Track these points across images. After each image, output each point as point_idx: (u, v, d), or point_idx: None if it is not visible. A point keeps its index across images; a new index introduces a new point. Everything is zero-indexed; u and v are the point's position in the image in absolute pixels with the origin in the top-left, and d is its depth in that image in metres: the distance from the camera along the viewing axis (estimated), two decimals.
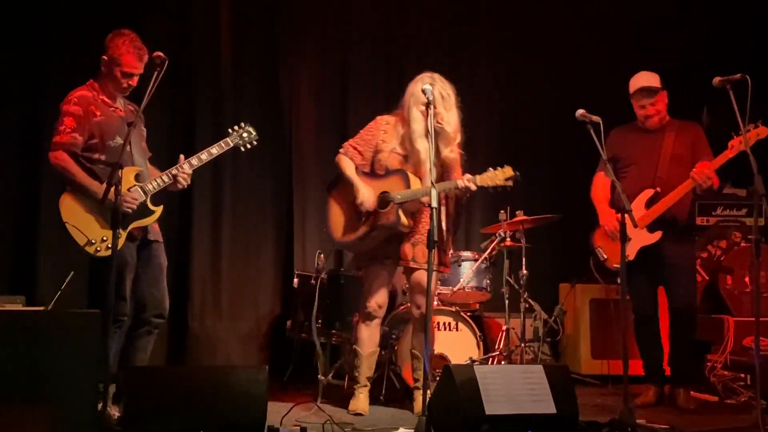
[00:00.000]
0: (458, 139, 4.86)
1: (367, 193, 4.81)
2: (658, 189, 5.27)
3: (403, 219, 4.74)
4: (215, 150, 4.68)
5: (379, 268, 4.93)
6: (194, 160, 4.60)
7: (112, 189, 4.02)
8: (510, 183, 4.55)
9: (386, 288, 4.97)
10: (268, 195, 6.78)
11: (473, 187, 4.61)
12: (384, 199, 4.79)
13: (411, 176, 4.75)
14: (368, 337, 4.96)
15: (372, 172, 4.91)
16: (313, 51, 6.97)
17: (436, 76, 4.77)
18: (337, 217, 4.96)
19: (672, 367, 5.44)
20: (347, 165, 4.92)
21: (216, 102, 6.65)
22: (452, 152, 4.84)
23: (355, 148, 4.95)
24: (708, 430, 4.52)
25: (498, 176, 4.55)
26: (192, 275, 6.51)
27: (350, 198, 4.87)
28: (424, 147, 4.68)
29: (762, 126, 4.95)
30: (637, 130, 5.48)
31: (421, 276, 4.83)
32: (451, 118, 4.77)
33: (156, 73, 4.25)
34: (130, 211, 4.37)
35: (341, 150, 4.99)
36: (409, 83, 4.86)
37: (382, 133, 4.93)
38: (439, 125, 4.66)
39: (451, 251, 5.24)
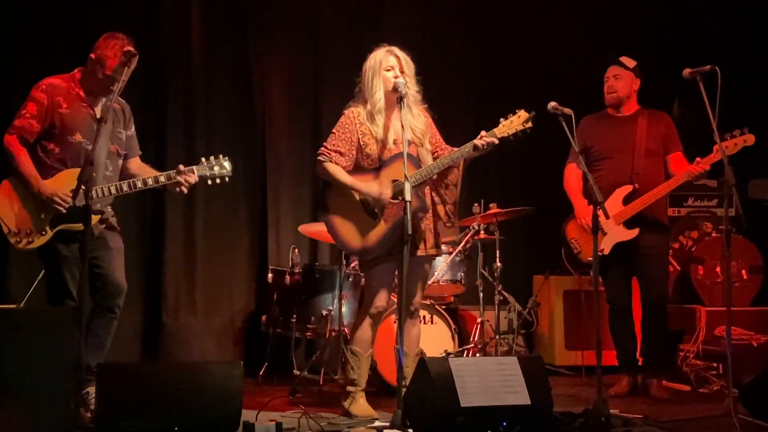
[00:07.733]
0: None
1: (378, 188, 4.47)
2: (636, 185, 5.30)
3: (428, 199, 4.55)
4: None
5: (389, 264, 4.57)
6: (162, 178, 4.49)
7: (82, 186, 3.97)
8: (529, 124, 4.47)
9: (391, 284, 4.72)
10: (241, 189, 6.71)
11: (496, 141, 4.47)
12: (398, 188, 4.45)
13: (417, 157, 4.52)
14: (370, 337, 4.67)
15: (357, 170, 4.57)
16: (284, 38, 6.89)
17: (387, 46, 4.66)
18: (347, 229, 4.53)
19: (644, 358, 5.48)
20: (337, 170, 4.51)
21: (187, 92, 6.58)
22: (421, 116, 4.65)
23: (337, 152, 4.53)
24: (681, 419, 4.55)
25: (514, 122, 4.47)
26: (165, 270, 6.45)
27: (353, 204, 4.52)
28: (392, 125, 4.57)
29: (749, 134, 5.00)
30: (608, 120, 5.51)
31: (429, 263, 4.77)
32: (410, 82, 4.57)
33: (126, 68, 4.22)
34: (61, 211, 4.29)
35: (321, 157, 4.54)
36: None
37: (359, 125, 4.58)
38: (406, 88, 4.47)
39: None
